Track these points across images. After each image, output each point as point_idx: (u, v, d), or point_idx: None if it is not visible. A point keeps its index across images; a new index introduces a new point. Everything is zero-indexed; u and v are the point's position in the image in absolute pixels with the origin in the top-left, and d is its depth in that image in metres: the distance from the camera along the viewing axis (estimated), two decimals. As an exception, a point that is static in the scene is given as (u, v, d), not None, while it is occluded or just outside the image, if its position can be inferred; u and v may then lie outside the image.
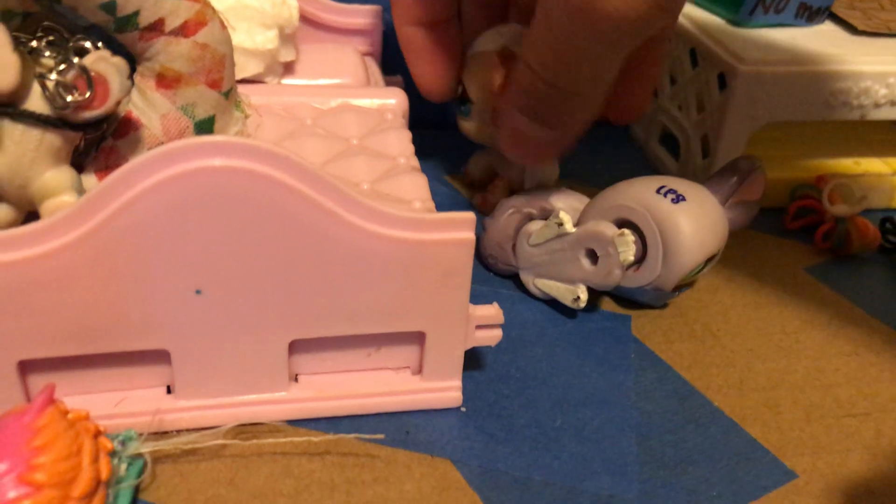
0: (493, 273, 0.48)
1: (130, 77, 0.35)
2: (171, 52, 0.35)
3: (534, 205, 0.47)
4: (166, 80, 0.35)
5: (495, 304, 0.38)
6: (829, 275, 0.51)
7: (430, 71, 0.49)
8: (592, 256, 0.43)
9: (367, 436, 0.36)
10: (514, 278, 0.47)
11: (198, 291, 0.34)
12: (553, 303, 0.46)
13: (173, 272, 0.33)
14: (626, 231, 0.42)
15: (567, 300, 0.44)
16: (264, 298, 0.34)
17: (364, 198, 0.33)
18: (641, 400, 0.40)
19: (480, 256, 0.48)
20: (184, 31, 0.35)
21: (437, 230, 0.34)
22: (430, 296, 0.36)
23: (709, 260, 0.45)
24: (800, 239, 0.55)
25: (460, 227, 0.35)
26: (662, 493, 0.36)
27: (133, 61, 0.36)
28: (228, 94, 0.37)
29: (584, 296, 0.43)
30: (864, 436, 0.40)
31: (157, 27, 0.34)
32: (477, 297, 0.42)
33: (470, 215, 0.35)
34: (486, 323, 0.38)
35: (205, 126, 0.37)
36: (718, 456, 0.38)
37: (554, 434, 0.38)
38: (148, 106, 0.36)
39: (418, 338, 0.38)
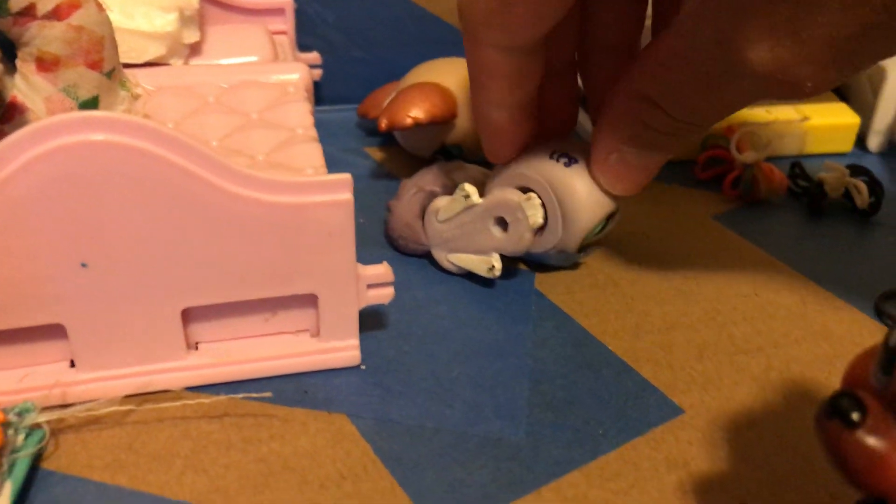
0: (405, 255, 0.49)
1: (12, 62, 0.36)
2: (46, 36, 0.36)
3: (436, 182, 0.48)
4: (45, 64, 0.37)
5: (384, 263, 0.40)
6: (737, 221, 0.53)
7: (507, 149, 0.45)
8: (502, 224, 0.44)
9: (255, 394, 0.38)
10: (428, 258, 0.48)
11: (83, 265, 0.35)
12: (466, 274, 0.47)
13: (59, 246, 0.34)
14: (532, 194, 0.43)
15: (482, 271, 0.45)
16: (150, 268, 0.35)
17: (240, 166, 0.35)
18: (538, 348, 0.42)
19: (390, 239, 0.49)
20: (56, 14, 0.36)
21: (313, 193, 0.36)
22: (316, 258, 0.37)
23: (609, 217, 0.46)
24: (710, 189, 0.56)
25: (336, 189, 0.36)
26: (549, 433, 0.37)
27: (13, 47, 0.37)
28: (111, 75, 0.38)
29: (498, 264, 0.45)
30: (754, 370, 0.41)
31: (28, 12, 0.35)
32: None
33: (345, 176, 0.36)
34: (376, 282, 0.39)
35: (89, 106, 0.38)
36: (608, 397, 0.39)
37: (449, 385, 0.39)
38: (31, 90, 0.37)
39: (312, 300, 0.39)
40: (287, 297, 0.39)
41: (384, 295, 0.40)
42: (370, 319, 0.43)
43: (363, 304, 0.39)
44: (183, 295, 0.37)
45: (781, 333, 0.43)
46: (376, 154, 0.59)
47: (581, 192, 0.43)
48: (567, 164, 0.44)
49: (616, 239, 0.50)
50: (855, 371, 0.25)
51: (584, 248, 0.46)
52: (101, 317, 0.36)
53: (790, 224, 0.53)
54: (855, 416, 0.22)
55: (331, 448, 0.36)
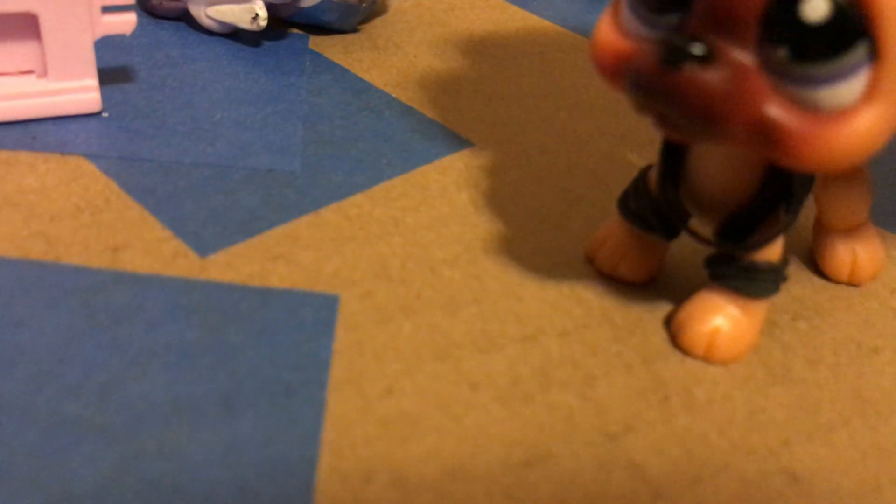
0: (162, 17, 0.43)
1: None
2: None
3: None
4: None
5: (122, -20, 0.33)
6: (521, -1, 0.50)
7: None
8: (265, -34, 0.39)
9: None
10: (186, 19, 0.42)
11: None
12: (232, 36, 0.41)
13: None
14: None
15: (245, 22, 0.40)
16: None
17: None
18: (313, 96, 0.37)
19: (144, 2, 0.43)
20: None
21: None
22: (31, -37, 0.30)
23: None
24: (494, -27, 0.53)
25: None
26: (328, 164, 0.33)
27: None
28: None
29: (262, 12, 0.39)
30: (543, 111, 0.39)
31: None
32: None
33: None
34: (112, 2, 0.33)
35: None
36: (391, 133, 0.36)
37: (211, 127, 0.34)
38: None
39: (34, 30, 0.32)
40: (2, 26, 0.32)
41: (125, 22, 0.34)
42: (116, 74, 0.37)
43: (99, 33, 0.33)
44: None
45: (569, 84, 0.41)
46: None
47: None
48: None
49: (398, 8, 0.46)
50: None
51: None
52: None
53: (571, 1, 0.51)
54: (699, 50, 0.20)
55: (64, 185, 0.30)
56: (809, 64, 0.20)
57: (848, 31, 0.19)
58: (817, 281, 0.31)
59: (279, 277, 0.27)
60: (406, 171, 0.33)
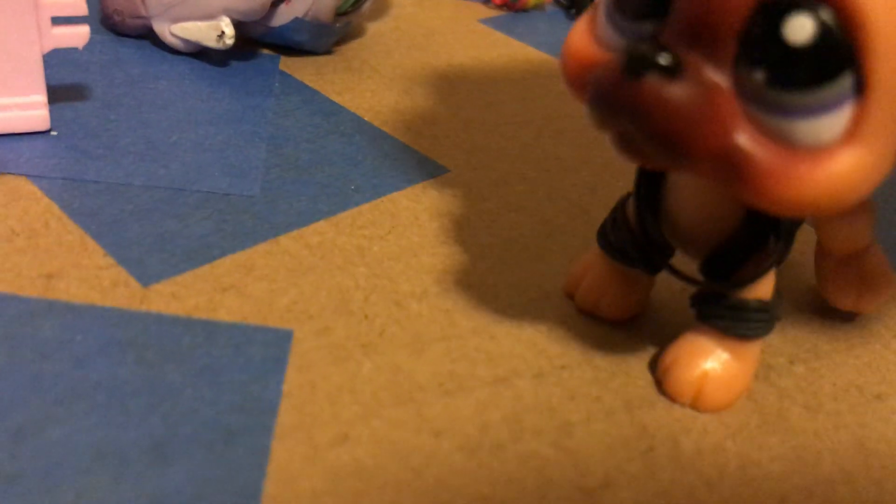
0: (125, 35, 0.40)
1: None
2: None
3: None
4: None
5: (74, -9, 0.31)
6: (504, 24, 0.48)
7: None
8: (231, -18, 0.37)
9: None
10: (150, 36, 0.40)
11: None
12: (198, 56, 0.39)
13: None
14: None
15: (211, 40, 0.37)
16: None
17: None
18: (280, 118, 0.35)
19: (104, 17, 0.40)
20: None
21: None
22: (-27, -32, 0.28)
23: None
24: (477, -1, 0.52)
25: None
26: (291, 189, 0.31)
27: None
28: None
29: (229, 30, 0.37)
30: (524, 138, 0.37)
31: None
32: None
33: None
34: (63, 13, 0.31)
35: None
36: (361, 158, 0.33)
37: (166, 149, 0.32)
38: None
39: (-21, 40, 0.30)
40: (-59, 33, 0.30)
41: (77, 35, 0.31)
42: (69, 91, 0.34)
43: (49, 46, 0.31)
44: None
45: (552, 111, 0.39)
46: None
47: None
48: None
49: (375, 31, 0.44)
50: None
51: (338, 18, 0.39)
52: None
53: (555, 26, 0.49)
54: (666, 61, 0.18)
55: (1, 207, 0.28)
56: (787, 91, 0.17)
57: (834, 59, 0.17)
58: (815, 321, 0.28)
59: (227, 310, 0.25)
60: (375, 198, 0.31)
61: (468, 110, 0.38)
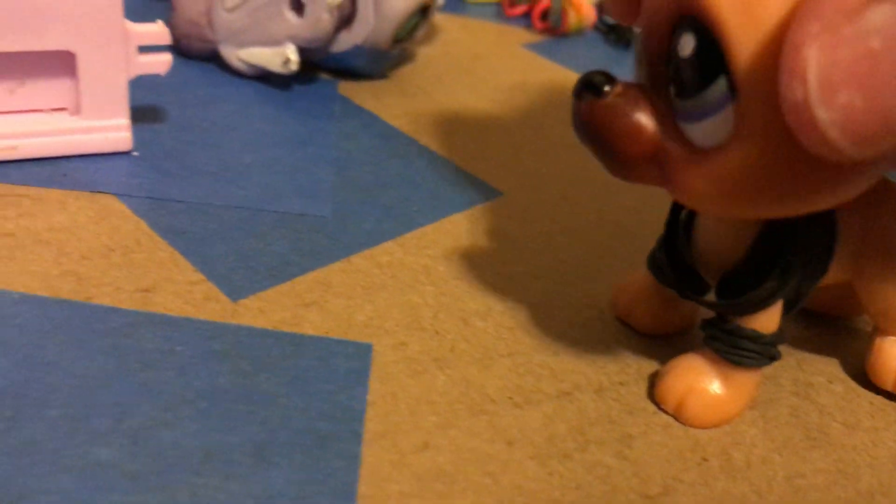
0: (190, 57, 0.43)
1: None
2: None
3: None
4: None
5: (159, 22, 0.33)
6: (546, 49, 0.51)
7: None
8: (297, 8, 0.39)
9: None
10: (216, 60, 0.42)
11: None
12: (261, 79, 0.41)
13: None
14: None
15: (276, 65, 0.40)
16: None
17: None
18: (342, 141, 0.37)
19: (173, 40, 0.43)
20: None
21: None
22: (73, 1, 0.31)
23: (424, 10, 0.42)
24: (519, 24, 0.54)
25: None
26: (359, 210, 0.33)
27: None
28: None
29: (294, 56, 0.39)
30: (570, 161, 0.39)
31: None
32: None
33: None
34: (149, 43, 0.33)
35: None
36: (420, 180, 0.35)
37: (241, 170, 0.34)
38: None
39: (70, 69, 0.32)
40: (37, 61, 0.32)
41: (160, 63, 0.34)
42: (145, 113, 0.37)
43: (134, 73, 0.33)
44: None
45: (597, 136, 0.41)
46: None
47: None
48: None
49: (425, 56, 0.47)
50: None
51: (395, 44, 0.42)
52: None
53: (600, 52, 0.51)
54: (606, 87, 0.21)
55: (94, 224, 0.30)
56: (683, 99, 0.21)
57: (708, 66, 0.20)
58: (853, 344, 0.30)
59: (311, 324, 0.27)
60: (436, 220, 0.33)
61: (517, 134, 0.40)
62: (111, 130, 0.33)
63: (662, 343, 0.29)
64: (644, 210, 0.36)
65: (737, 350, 0.25)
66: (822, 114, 0.17)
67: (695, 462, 0.25)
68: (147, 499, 0.21)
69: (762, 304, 0.25)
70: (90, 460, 0.22)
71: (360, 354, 0.26)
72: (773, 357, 0.26)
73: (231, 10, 0.40)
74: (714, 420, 0.26)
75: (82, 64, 0.32)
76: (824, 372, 0.29)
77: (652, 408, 0.26)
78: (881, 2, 0.17)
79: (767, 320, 0.25)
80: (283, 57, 0.39)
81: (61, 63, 0.32)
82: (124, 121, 0.34)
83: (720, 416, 0.26)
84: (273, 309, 0.27)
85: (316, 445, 0.23)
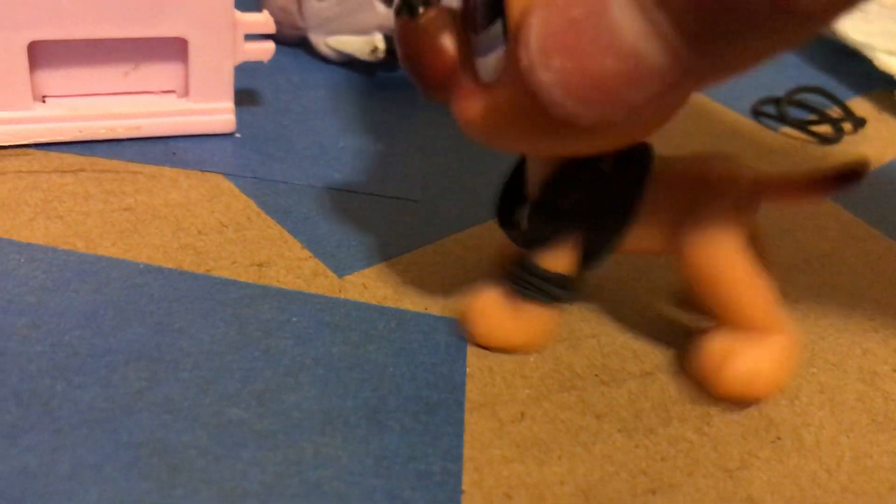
0: (280, 43, 0.45)
1: None
2: None
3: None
4: None
5: (265, 12, 0.36)
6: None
7: None
8: (387, -1, 0.41)
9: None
10: (304, 45, 0.44)
11: None
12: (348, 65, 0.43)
13: None
14: None
15: (364, 53, 0.42)
16: (-11, -18, 0.30)
17: None
18: (428, 127, 0.39)
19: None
20: None
21: None
22: (188, -8, 0.33)
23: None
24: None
25: None
26: (447, 195, 0.35)
27: None
28: None
29: (381, 45, 0.41)
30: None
31: None
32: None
33: None
34: (255, 31, 0.35)
35: None
36: (503, 168, 0.37)
37: (336, 154, 0.36)
38: None
39: (180, 54, 0.35)
40: (151, 47, 0.34)
41: (264, 50, 0.36)
42: (243, 95, 0.39)
43: (240, 59, 0.35)
44: (31, 23, 0.31)
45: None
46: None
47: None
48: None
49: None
50: None
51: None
52: (-75, 40, 0.30)
53: None
54: (419, 8, 0.23)
55: (207, 202, 0.32)
56: (473, 33, 0.23)
57: (493, 9, 0.22)
58: (917, 335, 0.32)
59: (411, 301, 0.29)
60: (520, 206, 0.35)
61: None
62: (217, 113, 0.36)
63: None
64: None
65: (520, 281, 0.27)
66: (543, 76, 0.19)
67: (768, 440, 0.26)
68: (276, 455, 0.23)
69: (537, 241, 0.26)
70: (223, 419, 0.24)
71: (457, 331, 0.28)
72: (554, 297, 0.27)
73: (322, -1, 0.42)
74: (497, 342, 0.28)
75: (193, 50, 0.34)
76: (889, 362, 0.30)
77: (728, 389, 0.28)
78: None
79: (555, 261, 0.27)
80: (372, 45, 0.41)
81: (173, 48, 0.34)
82: (229, 104, 0.36)
83: (503, 340, 0.28)
84: (376, 286, 0.30)
85: (423, 411, 0.25)
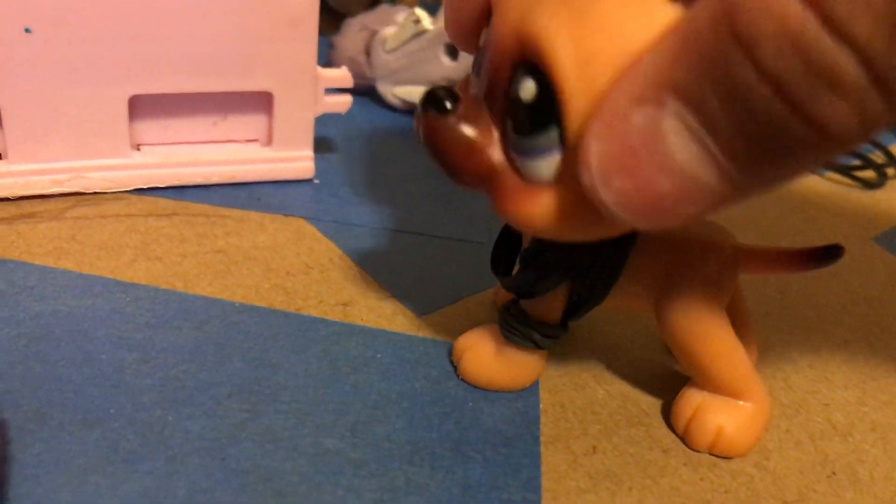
0: (348, 92, 0.48)
1: None
2: None
3: (381, 21, 0.47)
4: None
5: (344, 68, 0.38)
6: None
7: None
8: (452, 53, 0.43)
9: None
10: (371, 94, 0.47)
11: (27, 30, 0.32)
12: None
13: (1, 6, 0.31)
14: None
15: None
16: (100, 43, 0.33)
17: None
18: (490, 173, 0.42)
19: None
20: None
21: (280, -27, 0.34)
22: (275, 48, 0.35)
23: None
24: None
25: (303, -27, 0.34)
26: (512, 238, 0.37)
27: None
28: None
29: (444, 97, 0.44)
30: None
31: None
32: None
33: (313, -39, 0.34)
34: (334, 86, 0.38)
35: None
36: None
37: (405, 198, 0.39)
38: None
39: (265, 106, 0.37)
40: (239, 99, 0.37)
41: (342, 103, 0.38)
42: (318, 143, 0.41)
43: (320, 111, 0.38)
44: (131, 79, 0.34)
45: None
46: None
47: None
48: None
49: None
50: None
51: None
52: (41, 95, 0.33)
53: None
54: (448, 105, 0.23)
55: (292, 244, 0.35)
56: (519, 136, 0.22)
57: (544, 116, 0.21)
58: (964, 376, 0.33)
59: (485, 340, 0.31)
60: (580, 249, 0.37)
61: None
62: (298, 161, 0.38)
63: (785, 370, 0.32)
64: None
65: (507, 325, 0.28)
66: (605, 196, 0.20)
67: (825, 475, 0.28)
68: (371, 483, 0.25)
69: (526, 289, 0.28)
70: (321, 448, 0.26)
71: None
72: (537, 343, 0.28)
73: (390, 51, 0.44)
74: (480, 380, 0.29)
75: (278, 103, 0.37)
76: (937, 402, 0.32)
77: (784, 426, 0.30)
78: (642, 106, 0.19)
79: (543, 310, 0.28)
80: (436, 95, 0.43)
81: (259, 101, 0.37)
82: (309, 152, 0.38)
83: (486, 378, 0.29)
84: (451, 325, 0.32)
85: (502, 444, 0.27)
